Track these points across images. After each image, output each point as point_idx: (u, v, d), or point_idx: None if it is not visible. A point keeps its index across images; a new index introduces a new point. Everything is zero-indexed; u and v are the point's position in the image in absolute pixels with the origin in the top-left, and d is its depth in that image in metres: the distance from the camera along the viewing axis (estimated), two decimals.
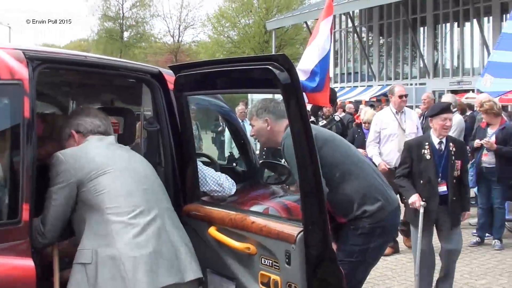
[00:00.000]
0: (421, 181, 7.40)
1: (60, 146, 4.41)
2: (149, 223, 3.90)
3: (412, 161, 7.50)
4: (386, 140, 10.26)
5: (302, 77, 9.72)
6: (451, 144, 7.46)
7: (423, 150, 7.43)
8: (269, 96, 6.15)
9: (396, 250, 10.18)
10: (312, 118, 12.24)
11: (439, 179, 7.35)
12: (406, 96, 10.34)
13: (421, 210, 7.26)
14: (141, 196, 4.00)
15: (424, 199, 7.29)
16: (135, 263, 3.72)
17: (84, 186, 3.88)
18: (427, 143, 7.46)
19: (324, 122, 12.33)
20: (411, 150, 7.56)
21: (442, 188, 7.35)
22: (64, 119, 4.49)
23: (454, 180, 7.38)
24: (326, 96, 8.12)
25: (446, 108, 7.54)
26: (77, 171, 3.88)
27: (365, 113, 14.05)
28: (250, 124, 5.51)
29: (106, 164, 3.98)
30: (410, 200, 7.33)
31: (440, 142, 7.43)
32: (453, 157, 7.40)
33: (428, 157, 7.39)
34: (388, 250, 9.35)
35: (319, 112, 12.74)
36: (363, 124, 13.56)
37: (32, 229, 3.69)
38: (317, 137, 5.07)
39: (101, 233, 3.78)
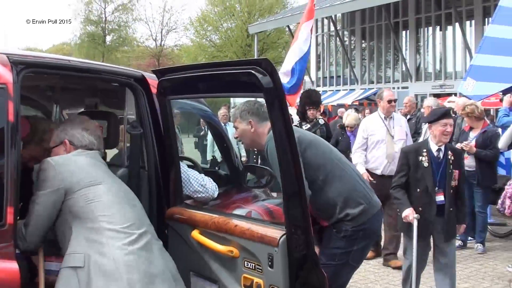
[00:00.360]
0: (418, 190, 7.13)
1: (42, 148, 4.45)
2: (141, 235, 3.94)
3: (409, 169, 7.19)
4: (374, 146, 9.82)
5: (284, 80, 9.81)
6: (449, 152, 7.21)
7: (420, 157, 7.15)
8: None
9: (378, 254, 10.06)
10: (296, 122, 12.21)
11: (436, 188, 7.08)
12: (395, 101, 9.96)
13: (415, 223, 6.98)
14: (132, 211, 4.05)
15: (420, 208, 7.05)
16: (129, 268, 3.74)
17: (72, 193, 3.88)
18: (425, 150, 7.18)
19: (308, 125, 11.99)
20: (408, 157, 7.26)
21: (439, 198, 7.08)
22: (58, 123, 4.55)
23: (451, 190, 7.12)
24: (295, 98, 8.53)
25: (446, 114, 7.23)
26: (66, 178, 3.88)
27: (347, 116, 14.01)
28: (234, 126, 5.52)
29: (97, 176, 4.02)
30: (404, 214, 7.04)
31: (439, 150, 7.16)
32: (451, 166, 7.14)
33: (425, 164, 7.12)
34: (370, 253, 9.44)
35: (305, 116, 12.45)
36: (346, 127, 13.49)
37: (15, 232, 3.70)
38: (300, 140, 5.14)
39: (93, 239, 3.77)
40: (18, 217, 3.72)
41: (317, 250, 4.35)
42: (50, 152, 4.28)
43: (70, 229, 3.85)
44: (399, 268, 9.17)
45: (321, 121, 12.58)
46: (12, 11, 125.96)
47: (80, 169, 3.99)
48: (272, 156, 4.89)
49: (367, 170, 9.66)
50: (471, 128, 10.67)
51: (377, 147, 9.76)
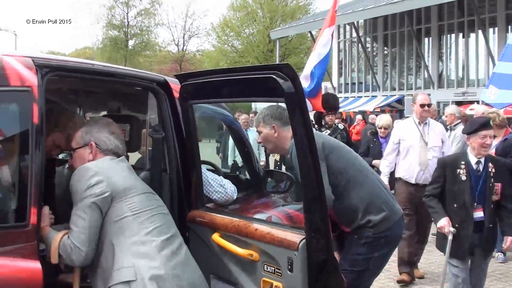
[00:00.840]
0: (455, 205, 6.59)
1: (65, 136, 4.52)
2: (179, 246, 4.04)
3: (445, 181, 6.67)
4: (406, 153, 9.18)
5: (304, 84, 9.81)
6: (490, 164, 6.62)
7: (458, 170, 6.59)
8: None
9: (413, 278, 9.37)
10: (316, 129, 11.52)
11: (475, 204, 6.53)
12: (429, 105, 9.26)
13: (450, 237, 6.52)
14: (167, 221, 4.10)
15: (456, 225, 6.54)
16: (177, 279, 3.82)
17: (118, 201, 3.86)
18: (463, 162, 6.62)
19: (328, 131, 11.35)
20: (445, 168, 6.71)
21: (478, 214, 6.53)
22: (82, 123, 4.46)
23: (492, 205, 6.57)
24: (319, 101, 8.50)
25: (485, 124, 6.69)
26: (113, 184, 3.87)
27: (380, 119, 13.61)
28: (257, 131, 5.54)
29: (135, 185, 4.02)
30: (439, 224, 6.58)
31: (478, 162, 6.60)
32: (492, 179, 6.56)
33: (463, 178, 6.55)
34: (406, 277, 9.14)
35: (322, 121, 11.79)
36: (379, 132, 12.90)
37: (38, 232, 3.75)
38: (324, 145, 5.22)
39: (140, 251, 3.77)
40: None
41: (337, 256, 4.37)
42: (73, 151, 4.22)
43: (111, 243, 3.80)
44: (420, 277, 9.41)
45: (341, 126, 12.03)
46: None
47: (123, 177, 3.99)
48: (296, 161, 4.94)
49: (400, 179, 9.23)
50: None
51: (409, 153, 9.14)
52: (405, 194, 9.04)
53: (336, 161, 5.31)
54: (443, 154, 8.90)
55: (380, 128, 12.93)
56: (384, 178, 9.20)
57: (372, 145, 12.88)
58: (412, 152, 9.10)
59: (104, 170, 3.91)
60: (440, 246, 6.94)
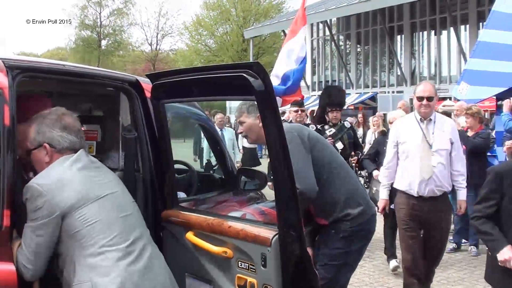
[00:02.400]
0: None
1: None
2: (142, 250, 3.88)
3: (502, 197, 5.20)
4: (405, 158, 7.46)
5: (275, 82, 9.81)
6: None
7: None
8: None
9: None
10: (315, 127, 10.49)
11: None
12: (429, 99, 7.28)
13: None
14: (127, 223, 3.91)
15: None
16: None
17: (68, 217, 3.70)
18: None
19: (333, 130, 10.47)
20: (503, 181, 5.23)
21: None
22: (33, 120, 4.06)
23: None
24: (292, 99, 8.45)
25: None
26: (60, 203, 3.68)
27: (392, 114, 11.62)
28: (239, 121, 5.53)
29: (91, 192, 3.81)
30: (503, 256, 5.05)
31: None
32: None
33: None
34: None
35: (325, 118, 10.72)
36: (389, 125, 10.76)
37: (11, 235, 3.74)
38: (310, 136, 5.36)
39: (97, 263, 3.66)
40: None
41: (309, 251, 4.40)
42: (30, 155, 4.01)
43: (71, 257, 3.73)
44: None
45: (347, 124, 10.92)
46: (11, 14, 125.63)
47: (73, 189, 3.75)
48: (290, 149, 5.02)
49: (399, 190, 7.53)
50: (467, 129, 10.93)
51: (409, 158, 7.40)
52: (405, 209, 7.38)
53: (321, 153, 5.40)
54: (452, 159, 7.39)
55: (391, 123, 10.64)
56: (384, 191, 7.90)
57: (385, 148, 9.63)
58: (412, 157, 7.37)
59: (51, 188, 3.69)
60: (495, 282, 5.47)
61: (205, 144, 15.17)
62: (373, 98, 42.98)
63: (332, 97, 10.60)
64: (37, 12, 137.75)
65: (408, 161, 7.39)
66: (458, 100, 12.28)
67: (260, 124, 5.33)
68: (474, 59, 11.29)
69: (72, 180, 3.81)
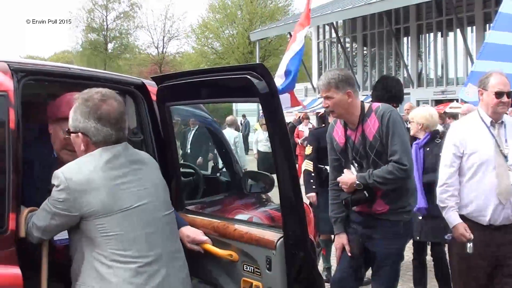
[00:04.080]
0: None
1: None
2: (154, 274, 3.67)
3: None
4: (473, 174, 5.58)
5: (278, 82, 9.71)
6: None
7: None
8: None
9: None
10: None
11: None
12: (509, 94, 5.59)
13: None
14: (147, 241, 3.70)
15: None
16: None
17: (87, 220, 3.59)
18: None
19: None
20: None
21: None
22: (75, 100, 3.86)
23: None
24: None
25: None
26: (81, 206, 3.56)
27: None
28: (326, 97, 5.42)
29: (113, 204, 3.62)
30: None
31: None
32: None
33: None
34: None
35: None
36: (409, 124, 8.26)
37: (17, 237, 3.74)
38: None
39: (103, 275, 3.56)
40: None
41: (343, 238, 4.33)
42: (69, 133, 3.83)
43: (82, 254, 3.65)
44: None
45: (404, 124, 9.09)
46: (17, 17, 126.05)
47: (98, 196, 3.58)
48: (396, 125, 5.23)
49: (462, 217, 5.64)
50: None
51: (478, 174, 5.54)
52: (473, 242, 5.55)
53: None
54: None
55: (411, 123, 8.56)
56: (454, 215, 5.66)
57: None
58: (484, 173, 5.53)
59: (77, 187, 3.57)
60: None
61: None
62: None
63: (387, 89, 8.87)
64: (41, 12, 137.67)
65: (478, 179, 5.55)
66: (465, 102, 12.18)
67: (349, 100, 5.36)
68: (480, 60, 11.26)
69: (101, 186, 3.61)
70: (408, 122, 8.40)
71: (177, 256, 3.90)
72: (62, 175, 3.60)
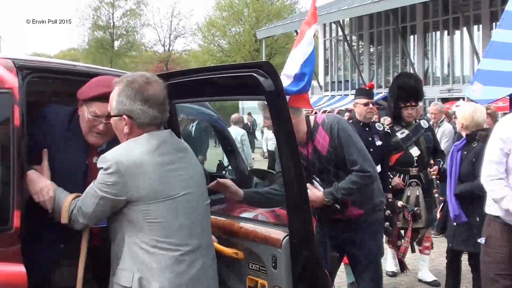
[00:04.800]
0: None
1: None
2: (193, 262, 3.70)
3: None
4: None
5: (286, 82, 9.58)
6: None
7: None
8: None
9: None
10: (387, 128, 8.72)
11: None
12: None
13: None
14: (188, 231, 3.71)
15: None
16: None
17: (133, 205, 3.59)
18: None
19: (406, 131, 8.50)
20: None
21: None
22: (116, 83, 3.80)
23: None
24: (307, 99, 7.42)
25: None
26: (130, 190, 3.56)
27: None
28: (264, 116, 5.23)
29: (161, 190, 3.61)
30: None
31: None
32: None
33: None
34: None
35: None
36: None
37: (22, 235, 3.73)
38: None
39: (145, 262, 3.58)
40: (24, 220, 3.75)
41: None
42: (109, 117, 3.81)
43: (123, 238, 3.66)
44: None
45: (424, 124, 8.75)
46: (22, 15, 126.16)
47: (147, 180, 3.58)
48: (348, 134, 5.22)
49: (498, 219, 5.38)
50: None
51: None
52: (508, 247, 5.31)
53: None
54: None
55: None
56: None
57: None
58: None
59: (128, 170, 3.55)
60: None
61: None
62: (386, 99, 42.80)
63: (405, 88, 8.52)
64: (41, 12, 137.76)
65: None
66: (471, 101, 12.16)
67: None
68: (487, 59, 11.21)
69: (151, 170, 3.60)
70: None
71: (212, 246, 3.96)
72: (112, 158, 3.59)
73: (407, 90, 8.45)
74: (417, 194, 8.57)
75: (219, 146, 6.17)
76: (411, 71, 43.48)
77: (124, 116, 3.68)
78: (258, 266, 4.05)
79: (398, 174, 8.61)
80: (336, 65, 53.29)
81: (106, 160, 3.58)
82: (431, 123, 10.53)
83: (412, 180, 8.59)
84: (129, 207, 3.59)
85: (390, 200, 7.95)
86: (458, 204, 6.75)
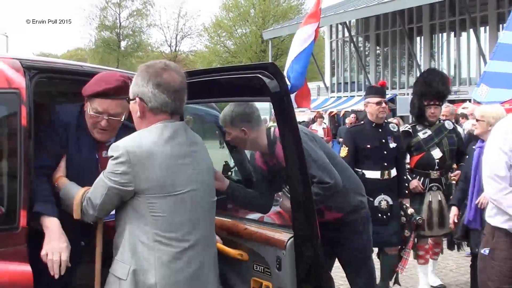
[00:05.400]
0: None
1: None
2: (192, 260, 3.68)
3: None
4: None
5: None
6: None
7: None
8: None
9: None
10: (408, 127, 8.33)
11: None
12: None
13: None
14: (191, 227, 3.70)
15: None
16: None
17: (140, 196, 3.59)
18: None
19: (428, 132, 8.06)
20: None
21: None
22: (138, 69, 3.85)
23: None
24: (308, 98, 6.96)
25: None
26: (139, 181, 3.56)
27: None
28: (225, 131, 5.27)
29: (169, 184, 3.61)
30: None
31: None
32: None
33: None
34: None
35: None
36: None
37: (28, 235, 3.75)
38: (314, 137, 5.33)
39: (143, 256, 3.58)
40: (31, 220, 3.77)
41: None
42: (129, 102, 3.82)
43: (125, 229, 3.66)
44: None
45: (449, 125, 8.31)
46: (28, 14, 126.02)
47: (157, 172, 3.57)
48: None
49: (504, 231, 5.07)
50: None
51: None
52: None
53: (323, 148, 5.35)
54: None
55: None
56: None
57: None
58: None
59: (139, 160, 3.54)
60: None
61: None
62: (392, 100, 42.71)
63: (429, 85, 8.13)
64: (41, 12, 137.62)
65: None
66: (478, 102, 12.14)
67: (246, 136, 5.14)
68: (494, 61, 11.20)
69: (161, 162, 3.60)
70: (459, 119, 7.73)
71: (213, 243, 3.96)
72: (123, 147, 3.58)
73: (433, 88, 8.11)
74: (439, 199, 8.09)
75: (224, 147, 6.13)
76: (418, 72, 43.37)
77: (137, 98, 3.70)
78: (262, 267, 4.06)
79: (418, 177, 8.14)
80: (342, 66, 53.19)
81: (118, 149, 3.58)
82: None
83: (433, 184, 8.15)
84: (136, 198, 3.60)
85: (404, 206, 7.53)
86: (477, 210, 6.49)
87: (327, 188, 5.01)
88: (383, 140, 7.57)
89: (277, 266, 3.91)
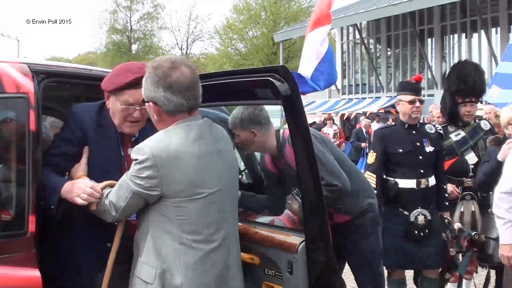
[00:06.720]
0: None
1: None
2: (217, 261, 3.65)
3: None
4: None
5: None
6: None
7: None
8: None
9: None
10: (439, 127, 7.09)
11: None
12: None
13: None
14: (216, 229, 3.65)
15: None
16: None
17: (165, 200, 3.54)
18: None
19: (462, 133, 7.19)
20: None
21: None
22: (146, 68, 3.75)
23: None
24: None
25: None
26: (165, 185, 3.50)
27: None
28: (234, 133, 5.29)
29: (196, 186, 3.55)
30: None
31: None
32: None
33: None
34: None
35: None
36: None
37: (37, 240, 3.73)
38: (324, 140, 5.33)
39: (169, 258, 3.55)
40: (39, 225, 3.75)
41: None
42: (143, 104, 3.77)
43: (148, 227, 3.63)
44: None
45: (485, 125, 7.37)
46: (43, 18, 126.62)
47: (184, 174, 3.52)
48: None
49: None
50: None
51: None
52: None
53: (332, 150, 5.36)
54: None
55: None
56: (507, 232, 5.24)
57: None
58: None
59: (165, 164, 3.48)
60: None
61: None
62: None
63: (463, 79, 7.25)
64: (41, 12, 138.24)
65: None
66: (489, 104, 12.09)
67: (255, 138, 5.26)
68: (505, 62, 11.19)
69: (189, 163, 3.54)
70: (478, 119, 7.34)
71: (237, 241, 3.89)
72: (149, 150, 3.51)
73: (467, 83, 7.20)
74: (473, 209, 7.00)
75: (234, 150, 6.12)
76: (429, 74, 43.40)
77: (151, 103, 3.63)
78: (274, 271, 4.04)
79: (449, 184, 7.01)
80: (353, 68, 53.16)
81: (143, 152, 3.51)
82: None
83: (466, 192, 7.04)
84: (163, 202, 3.54)
85: (446, 221, 6.68)
86: None
87: (334, 190, 5.02)
88: (418, 144, 6.69)
89: (289, 270, 3.89)
